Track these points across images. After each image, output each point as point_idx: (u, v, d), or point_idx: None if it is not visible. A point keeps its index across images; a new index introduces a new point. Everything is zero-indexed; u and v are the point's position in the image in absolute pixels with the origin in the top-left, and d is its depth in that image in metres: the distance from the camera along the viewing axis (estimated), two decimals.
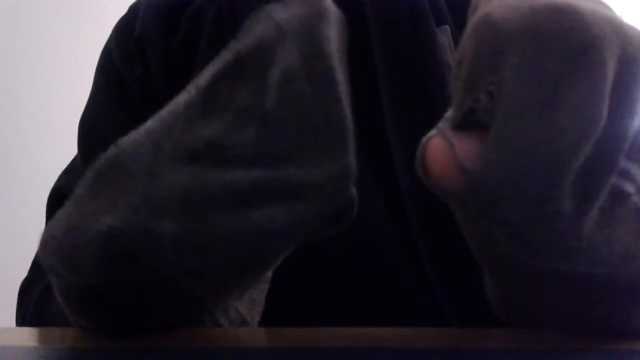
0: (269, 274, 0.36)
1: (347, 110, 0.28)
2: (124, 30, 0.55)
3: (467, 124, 0.25)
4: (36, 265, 0.54)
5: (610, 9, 0.26)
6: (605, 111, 0.23)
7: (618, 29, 0.24)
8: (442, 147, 0.25)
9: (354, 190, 0.28)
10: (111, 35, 0.57)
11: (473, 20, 0.25)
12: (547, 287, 0.29)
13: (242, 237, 0.27)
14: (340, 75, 0.28)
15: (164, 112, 0.30)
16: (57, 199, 0.55)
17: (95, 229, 0.27)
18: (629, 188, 0.25)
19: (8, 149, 2.13)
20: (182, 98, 0.30)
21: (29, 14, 2.18)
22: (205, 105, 0.29)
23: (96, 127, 0.54)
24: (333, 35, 0.28)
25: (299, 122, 0.27)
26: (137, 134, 0.29)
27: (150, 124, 0.30)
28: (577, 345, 0.29)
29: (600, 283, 0.27)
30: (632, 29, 0.25)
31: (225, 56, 0.29)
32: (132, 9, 0.57)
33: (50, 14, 2.20)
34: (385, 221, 0.47)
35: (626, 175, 0.25)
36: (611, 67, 0.24)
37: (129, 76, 0.53)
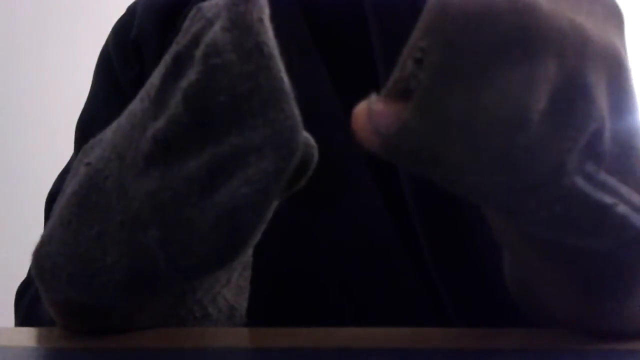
0: (250, 258, 0.37)
1: (280, 76, 0.28)
2: (122, 31, 0.55)
3: (401, 93, 0.25)
4: (30, 271, 0.54)
5: (601, 23, 0.26)
6: (533, 105, 0.24)
7: (580, 34, 0.25)
8: (362, 111, 0.26)
9: (300, 140, 0.28)
10: (109, 37, 0.57)
11: (427, 1, 0.26)
12: (555, 262, 0.29)
13: (217, 221, 0.27)
14: (271, 48, 0.28)
15: (124, 124, 0.31)
16: (54, 201, 0.55)
17: (99, 258, 0.28)
18: (608, 199, 0.25)
19: (8, 149, 2.13)
20: (138, 107, 0.30)
21: (29, 14, 2.18)
22: (155, 108, 0.29)
23: (93, 128, 0.54)
24: (259, 13, 0.28)
25: (229, 90, 0.27)
26: (104, 149, 0.30)
27: (112, 136, 0.31)
28: (577, 346, 0.29)
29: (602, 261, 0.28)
30: (606, 41, 0.25)
31: (166, 59, 0.30)
32: (130, 10, 0.57)
33: (50, 14, 2.20)
34: (386, 218, 0.47)
35: (603, 187, 0.25)
36: (552, 60, 0.24)
37: (126, 77, 0.53)
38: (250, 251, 0.36)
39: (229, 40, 0.27)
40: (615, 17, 0.28)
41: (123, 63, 0.53)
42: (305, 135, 0.29)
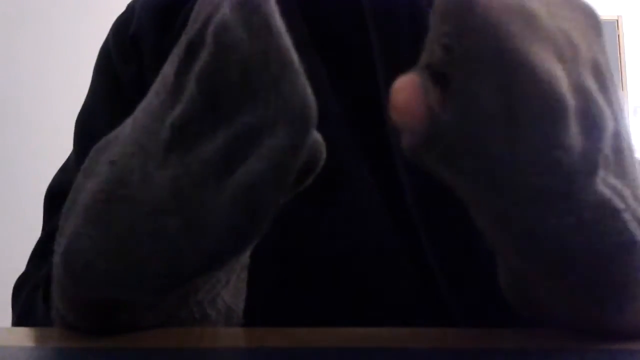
0: (248, 259, 0.37)
1: (290, 52, 0.28)
2: (121, 28, 0.56)
3: (433, 76, 0.25)
4: (28, 266, 0.54)
5: (585, 33, 0.27)
6: (568, 98, 0.23)
7: (570, 41, 0.25)
8: (414, 83, 0.25)
9: (313, 114, 0.28)
10: (109, 34, 0.57)
11: None
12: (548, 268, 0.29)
13: (233, 201, 0.27)
14: (279, 26, 0.28)
15: (143, 118, 0.31)
16: (55, 197, 0.55)
17: (133, 251, 0.29)
18: (620, 204, 0.25)
19: (8, 149, 2.13)
20: (155, 100, 0.31)
21: (29, 15, 2.18)
22: (173, 98, 0.30)
23: (92, 125, 0.54)
24: (271, 1, 0.28)
25: (240, 67, 0.28)
26: (125, 146, 0.30)
27: (131, 132, 0.31)
28: (577, 345, 0.29)
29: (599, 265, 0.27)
30: (588, 49, 0.26)
31: (178, 51, 0.30)
32: (130, 7, 0.57)
33: (50, 14, 2.20)
34: (385, 217, 0.47)
35: (617, 192, 0.25)
36: (558, 64, 0.24)
37: (125, 74, 0.53)
38: (248, 252, 0.36)
39: (238, 18, 0.28)
40: (595, 28, 0.28)
41: (122, 59, 0.54)
42: (315, 133, 0.29)
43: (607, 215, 0.25)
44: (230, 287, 0.36)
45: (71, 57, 2.13)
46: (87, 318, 0.33)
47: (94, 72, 0.57)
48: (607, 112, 0.25)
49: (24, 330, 0.40)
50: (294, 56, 0.28)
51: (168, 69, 0.31)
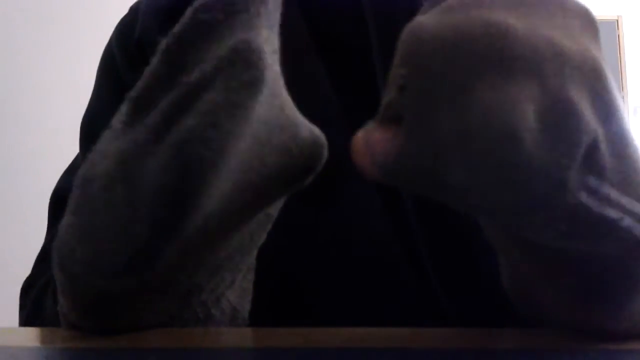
0: (254, 260, 0.37)
1: (261, 32, 0.28)
2: (125, 31, 0.55)
3: (392, 119, 0.26)
4: (36, 266, 0.54)
5: (577, 37, 0.27)
6: (521, 124, 0.24)
7: (557, 51, 0.25)
8: (360, 141, 0.26)
9: (254, 74, 0.28)
10: (112, 36, 0.57)
11: (405, 27, 0.26)
12: (550, 266, 0.29)
13: (168, 160, 0.27)
14: (261, 16, 0.28)
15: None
16: (60, 199, 0.55)
17: (104, 235, 0.28)
18: (613, 214, 0.25)
19: (8, 150, 2.13)
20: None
21: (29, 15, 2.17)
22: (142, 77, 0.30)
23: (98, 128, 0.54)
24: None
25: (210, 44, 0.28)
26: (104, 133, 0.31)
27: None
28: (577, 345, 0.29)
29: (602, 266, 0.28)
30: (582, 54, 0.26)
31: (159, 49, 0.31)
32: (133, 10, 0.57)
33: (51, 14, 2.19)
34: (384, 218, 0.47)
35: (611, 201, 0.25)
36: (532, 80, 0.24)
37: (131, 78, 0.53)
38: (254, 254, 0.36)
39: (217, 2, 0.28)
40: (591, 28, 0.28)
41: (127, 64, 0.53)
42: (316, 132, 0.29)
43: (599, 225, 0.25)
44: (236, 288, 0.36)
45: (70, 58, 2.13)
46: (88, 318, 0.33)
47: (97, 75, 0.57)
48: (588, 123, 0.24)
49: (24, 330, 0.40)
50: (264, 45, 0.28)
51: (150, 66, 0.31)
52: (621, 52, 3.37)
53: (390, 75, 0.26)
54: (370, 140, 0.26)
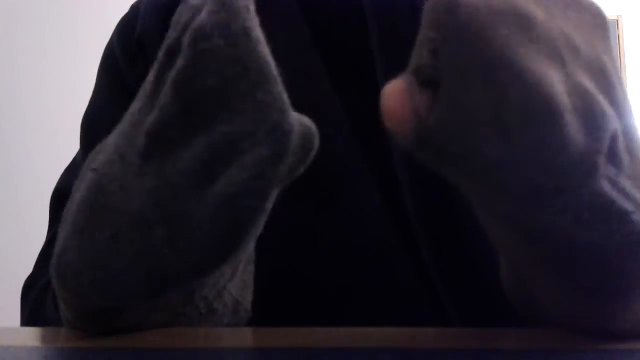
0: (253, 252, 0.37)
1: (267, 60, 0.28)
2: (126, 29, 0.55)
3: (420, 82, 0.25)
4: (37, 265, 0.54)
5: (588, 34, 0.27)
6: (561, 101, 0.23)
7: (571, 45, 0.25)
8: (401, 90, 0.25)
9: (291, 122, 0.28)
10: (113, 35, 0.57)
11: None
12: (553, 266, 0.29)
13: (216, 211, 0.27)
14: (258, 33, 0.28)
15: (125, 124, 0.31)
16: (61, 198, 0.55)
17: (116, 261, 0.29)
18: (628, 206, 0.25)
19: (8, 149, 2.13)
20: (136, 106, 0.30)
21: (29, 14, 2.17)
22: (151, 104, 0.30)
23: (99, 127, 0.54)
24: (248, 4, 0.28)
25: (217, 74, 0.27)
26: (108, 153, 0.30)
27: (114, 139, 0.31)
28: (577, 345, 0.29)
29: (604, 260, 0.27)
30: (591, 52, 0.26)
31: (160, 55, 0.30)
32: (134, 8, 0.57)
33: (51, 13, 2.19)
34: (385, 217, 0.47)
35: (627, 194, 0.25)
36: (558, 67, 0.24)
37: (132, 76, 0.53)
38: (253, 245, 0.36)
39: (215, 24, 0.27)
40: (602, 26, 0.28)
41: (129, 62, 0.54)
42: (307, 121, 0.29)
43: (613, 217, 0.25)
44: (237, 281, 0.36)
45: (70, 58, 2.13)
46: (92, 322, 0.33)
47: (98, 73, 0.57)
48: (609, 113, 0.25)
49: (24, 330, 0.40)
50: (272, 63, 0.28)
51: (150, 74, 0.31)
52: (621, 52, 3.37)
53: (420, 39, 0.25)
54: (412, 98, 0.24)
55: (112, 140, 0.31)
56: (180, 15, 0.30)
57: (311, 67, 0.48)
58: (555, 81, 0.24)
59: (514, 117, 0.23)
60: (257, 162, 0.27)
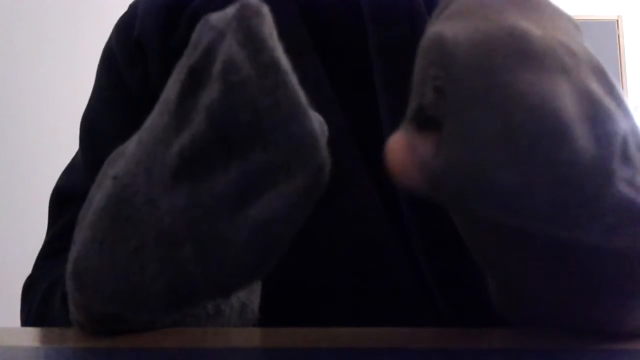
0: None
1: (297, 91, 0.28)
2: (124, 29, 0.55)
3: (422, 122, 0.25)
4: (37, 264, 0.54)
5: (572, 37, 0.27)
6: (568, 112, 0.24)
7: (570, 51, 0.25)
8: (402, 144, 0.25)
9: (324, 155, 0.28)
10: (112, 34, 0.57)
11: (426, 33, 0.26)
12: (541, 276, 0.29)
13: (251, 235, 0.27)
14: (284, 63, 0.28)
15: (146, 138, 0.31)
16: (60, 198, 0.55)
17: (139, 273, 0.29)
18: (635, 196, 0.25)
19: (8, 149, 2.13)
20: (158, 121, 0.30)
21: (29, 13, 2.17)
22: (178, 123, 0.29)
23: (98, 126, 0.55)
24: (269, 28, 0.28)
25: (250, 106, 0.28)
26: (128, 163, 0.30)
27: (135, 150, 0.31)
28: (577, 345, 0.29)
29: (595, 271, 0.28)
30: (586, 53, 0.26)
31: (179, 72, 0.30)
32: (132, 7, 0.57)
33: (50, 13, 2.19)
34: (384, 220, 0.47)
35: (631, 184, 0.25)
36: (562, 77, 0.24)
37: (131, 76, 0.53)
38: None
39: (245, 56, 0.28)
40: (580, 32, 0.29)
41: (128, 62, 0.54)
42: (322, 123, 0.29)
43: (637, 215, 0.25)
44: None
45: (70, 57, 2.13)
46: (104, 325, 0.33)
47: (97, 73, 0.57)
48: (617, 113, 0.25)
49: (24, 330, 0.40)
50: (302, 94, 0.28)
51: (170, 90, 0.31)
52: (621, 52, 3.37)
53: (419, 77, 0.25)
54: (415, 145, 0.25)
55: (131, 151, 0.31)
56: (201, 36, 0.30)
57: (311, 70, 0.48)
58: (560, 93, 0.24)
59: (523, 140, 0.23)
60: (293, 191, 0.27)
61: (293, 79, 0.28)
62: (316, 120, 0.29)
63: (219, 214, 0.28)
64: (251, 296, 0.37)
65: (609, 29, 3.38)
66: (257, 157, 0.28)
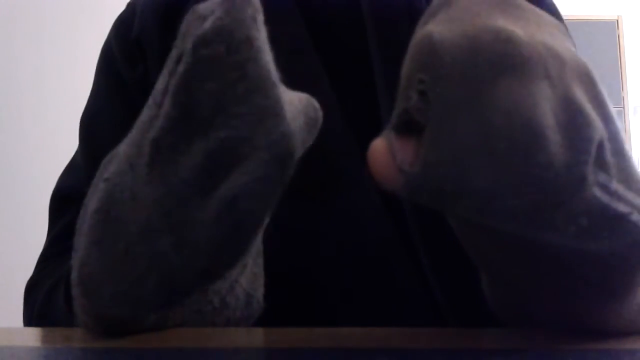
0: (261, 245, 0.37)
1: (268, 67, 0.28)
2: (123, 27, 0.55)
3: (406, 125, 0.26)
4: (39, 266, 0.54)
5: (559, 41, 0.27)
6: (544, 121, 0.24)
7: (556, 55, 0.26)
8: (382, 149, 0.26)
9: (287, 124, 0.28)
10: (110, 33, 0.57)
11: (415, 37, 0.26)
12: (535, 276, 0.30)
13: (219, 215, 0.27)
14: (261, 42, 0.28)
15: (134, 133, 0.31)
16: (60, 198, 0.55)
17: (131, 272, 0.29)
18: (624, 209, 0.25)
19: (8, 149, 2.13)
20: (146, 114, 0.30)
21: (28, 13, 2.17)
22: (158, 111, 0.30)
23: (98, 126, 0.55)
24: (253, 11, 0.28)
25: (216, 78, 0.27)
26: (119, 162, 0.30)
27: (125, 147, 0.31)
28: (576, 346, 0.29)
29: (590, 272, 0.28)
30: (573, 57, 0.26)
31: (169, 64, 0.30)
32: (130, 6, 0.57)
33: (49, 12, 2.19)
34: (384, 219, 0.47)
35: (619, 196, 0.26)
36: (543, 82, 0.25)
37: (130, 75, 0.53)
38: (260, 238, 0.36)
39: (218, 30, 0.28)
40: (567, 36, 0.29)
41: (127, 62, 0.54)
42: (304, 97, 0.29)
43: (611, 219, 0.25)
44: (248, 274, 0.36)
45: (68, 56, 2.13)
46: (112, 328, 0.33)
47: (96, 73, 0.57)
48: (595, 122, 0.25)
49: (24, 330, 0.40)
50: (272, 71, 0.28)
51: (159, 82, 0.31)
52: (621, 52, 3.37)
53: (405, 80, 0.26)
54: (395, 150, 0.25)
55: (123, 148, 0.31)
56: (188, 25, 0.30)
57: (311, 68, 0.48)
58: (539, 99, 0.24)
59: (500, 144, 0.24)
60: (258, 165, 0.27)
61: (265, 57, 0.28)
62: (308, 106, 0.29)
63: (189, 199, 0.28)
64: (255, 286, 0.37)
65: (609, 29, 3.39)
66: (219, 134, 0.27)
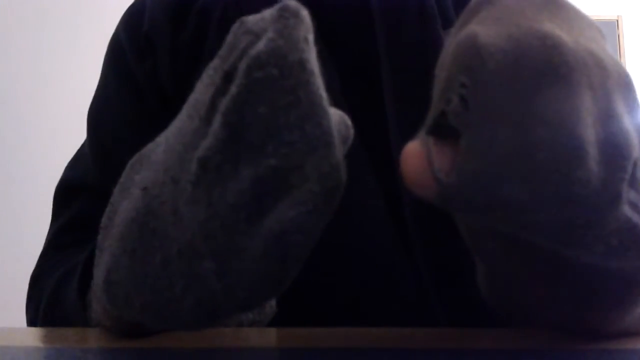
0: None
1: (320, 93, 0.27)
2: (133, 21, 0.55)
3: (442, 130, 0.25)
4: (44, 256, 0.54)
5: (600, 46, 0.27)
6: (586, 133, 0.24)
7: (599, 64, 0.25)
8: (418, 154, 0.25)
9: (339, 157, 0.27)
10: (119, 26, 0.56)
11: (458, 36, 0.25)
12: (536, 276, 0.29)
13: (266, 248, 0.27)
14: (313, 66, 0.27)
15: (175, 144, 0.30)
16: (67, 190, 0.55)
17: (167, 288, 0.28)
18: (637, 219, 0.25)
19: (8, 149, 2.12)
20: (187, 125, 0.30)
21: (29, 12, 2.17)
22: (206, 128, 0.29)
23: (106, 119, 0.54)
24: (305, 31, 0.28)
25: (268, 103, 0.27)
26: (157, 171, 0.30)
27: (164, 157, 0.30)
28: (575, 346, 0.29)
29: (591, 276, 0.28)
30: (615, 65, 0.26)
31: (212, 74, 0.30)
32: (139, 1, 0.57)
33: (50, 12, 2.19)
34: (387, 222, 0.47)
35: (635, 207, 0.25)
36: (587, 93, 0.24)
37: (140, 69, 0.53)
38: None
39: (272, 53, 0.27)
40: (604, 38, 0.28)
41: (137, 56, 0.53)
42: (343, 116, 0.29)
43: (638, 239, 0.25)
44: None
45: (69, 57, 2.13)
46: (131, 331, 0.33)
47: (104, 66, 0.57)
48: (633, 139, 0.25)
49: (24, 330, 0.40)
50: (324, 97, 0.27)
51: (202, 92, 0.30)
52: (621, 52, 3.37)
53: (446, 82, 0.25)
54: (432, 156, 0.24)
55: (160, 157, 0.30)
56: (237, 38, 0.29)
57: (321, 67, 0.48)
58: (582, 112, 0.24)
59: (538, 157, 0.23)
60: (307, 197, 0.26)
61: (318, 82, 0.27)
62: (341, 123, 0.28)
63: (236, 225, 0.27)
64: None
65: (609, 29, 3.38)
66: (270, 161, 0.27)
